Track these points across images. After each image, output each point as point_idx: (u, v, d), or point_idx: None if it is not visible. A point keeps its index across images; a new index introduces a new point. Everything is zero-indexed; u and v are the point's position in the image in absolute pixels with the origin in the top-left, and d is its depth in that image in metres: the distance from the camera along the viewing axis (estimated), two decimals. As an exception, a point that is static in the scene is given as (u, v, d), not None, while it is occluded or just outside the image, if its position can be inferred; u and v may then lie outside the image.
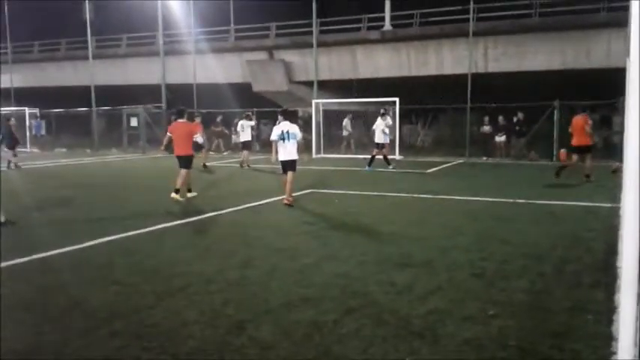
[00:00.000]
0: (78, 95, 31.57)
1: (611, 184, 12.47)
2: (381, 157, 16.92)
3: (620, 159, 16.77)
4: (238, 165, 18.42)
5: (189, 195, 11.23)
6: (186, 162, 11.02)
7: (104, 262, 6.28)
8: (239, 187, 13.49)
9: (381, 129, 16.71)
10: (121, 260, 6.37)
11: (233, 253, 6.64)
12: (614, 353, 3.56)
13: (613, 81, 19.88)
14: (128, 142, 28.06)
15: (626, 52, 7.13)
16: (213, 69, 29.31)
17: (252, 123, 19.32)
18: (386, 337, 4.04)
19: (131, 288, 5.30)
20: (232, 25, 32.86)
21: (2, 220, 8.41)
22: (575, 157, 13.83)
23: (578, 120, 13.77)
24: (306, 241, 7.31)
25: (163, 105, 28.10)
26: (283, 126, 10.32)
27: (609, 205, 9.77)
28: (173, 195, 10.73)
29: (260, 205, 10.45)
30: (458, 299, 4.87)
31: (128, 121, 27.77)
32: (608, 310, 4.43)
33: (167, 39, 29.77)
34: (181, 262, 6.27)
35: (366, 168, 16.74)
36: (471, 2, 23.00)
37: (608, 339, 3.86)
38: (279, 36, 30.66)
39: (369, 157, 17.21)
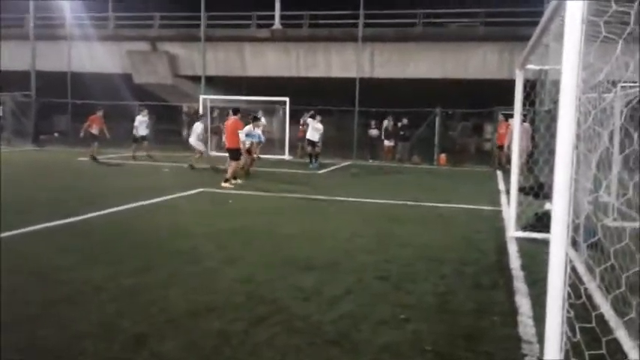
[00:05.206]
0: None
1: (488, 188, 13.32)
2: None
3: (493, 165, 18.10)
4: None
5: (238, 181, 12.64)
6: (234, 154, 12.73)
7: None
8: (130, 183, 12.61)
9: (313, 127, 17.76)
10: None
11: (125, 258, 6.10)
12: (526, 355, 3.67)
13: (486, 92, 21.40)
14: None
15: (518, 65, 7.56)
16: (91, 57, 27.32)
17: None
18: (300, 347, 3.86)
19: (7, 296, 4.64)
20: (110, 12, 30.79)
21: None
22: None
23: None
24: (204, 243, 6.90)
25: (32, 93, 25.72)
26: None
27: (489, 207, 10.39)
28: (223, 184, 12.04)
29: (153, 203, 9.80)
30: (368, 303, 4.81)
31: (-8, 110, 25.05)
32: (511, 312, 4.60)
33: (39, 22, 27.29)
34: (65, 267, 5.63)
35: (311, 165, 17.75)
36: (361, 8, 23.57)
37: (517, 340, 3.99)
38: (162, 27, 29.32)
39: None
